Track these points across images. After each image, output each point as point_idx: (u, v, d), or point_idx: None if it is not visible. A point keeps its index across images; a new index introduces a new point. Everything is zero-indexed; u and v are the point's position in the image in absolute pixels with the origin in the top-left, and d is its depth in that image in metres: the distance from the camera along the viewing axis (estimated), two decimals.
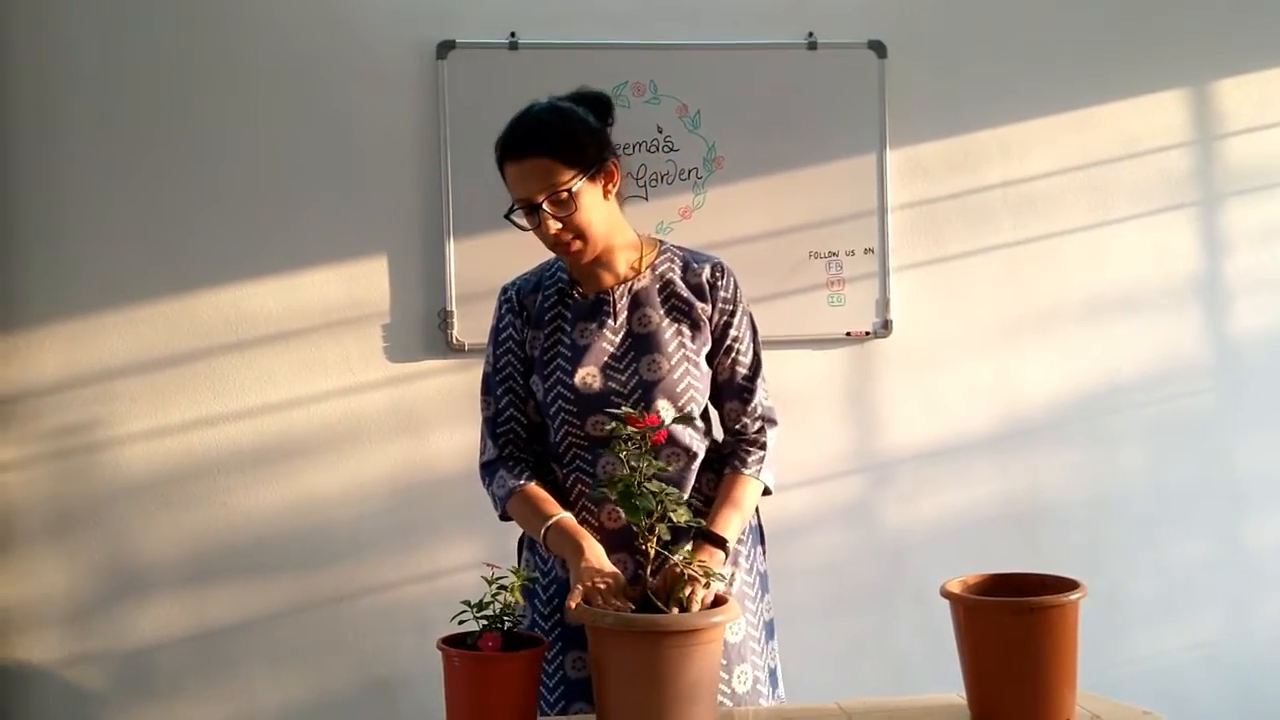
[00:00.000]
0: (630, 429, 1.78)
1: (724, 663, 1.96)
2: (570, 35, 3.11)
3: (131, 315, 3.04)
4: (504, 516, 2.08)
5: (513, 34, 3.10)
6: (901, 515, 3.25)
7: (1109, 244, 3.31)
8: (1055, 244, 3.29)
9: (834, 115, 3.18)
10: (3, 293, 3.01)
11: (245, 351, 3.07)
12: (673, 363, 2.02)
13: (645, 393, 2.00)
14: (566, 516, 1.96)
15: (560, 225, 1.95)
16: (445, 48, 3.08)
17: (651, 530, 1.76)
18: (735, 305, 2.08)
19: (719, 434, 2.13)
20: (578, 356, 2.02)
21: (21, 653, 3.03)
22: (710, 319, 2.06)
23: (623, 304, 2.05)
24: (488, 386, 2.11)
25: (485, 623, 1.73)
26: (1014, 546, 3.22)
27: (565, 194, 1.93)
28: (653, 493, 1.74)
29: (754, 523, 2.16)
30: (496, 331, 2.11)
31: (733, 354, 2.08)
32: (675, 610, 1.74)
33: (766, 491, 2.09)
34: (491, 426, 2.10)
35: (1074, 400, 3.30)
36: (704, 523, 1.94)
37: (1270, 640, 3.37)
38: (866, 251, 3.20)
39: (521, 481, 2.03)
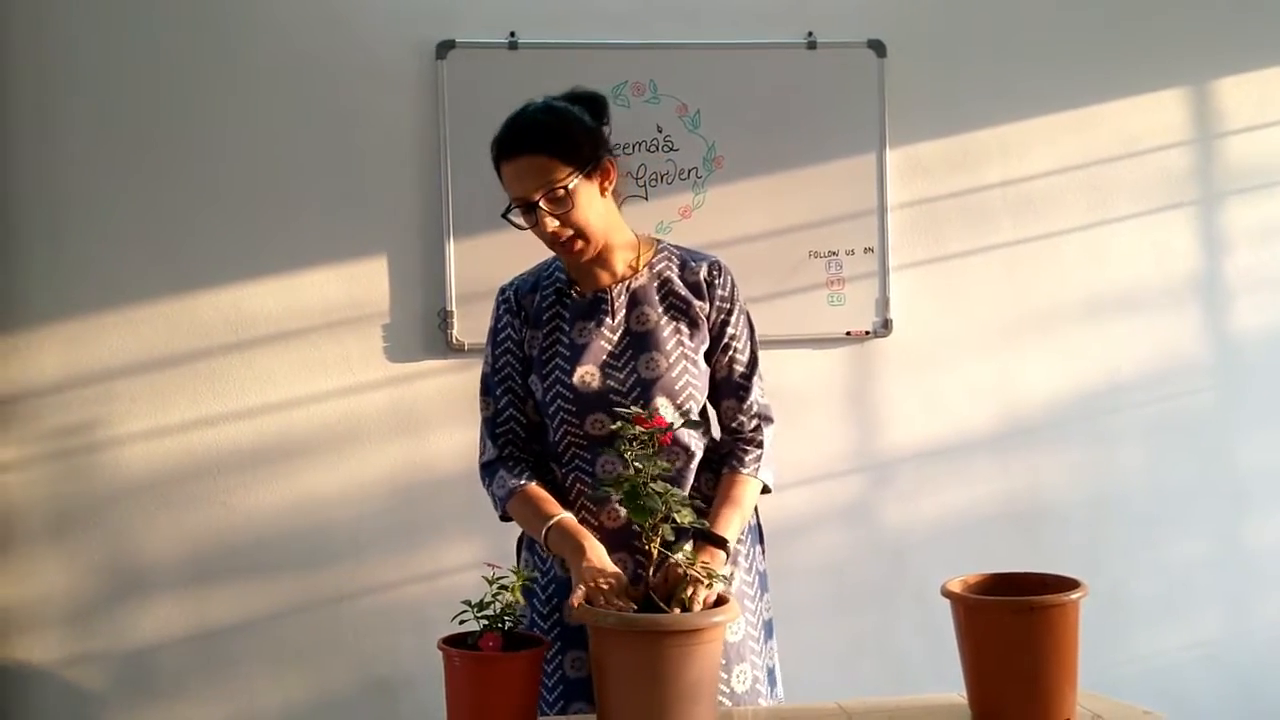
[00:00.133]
0: (637, 429, 1.78)
1: (723, 662, 1.96)
2: (570, 35, 3.11)
3: (132, 315, 3.04)
4: (504, 517, 2.08)
5: (512, 34, 3.10)
6: (902, 515, 3.25)
7: (1109, 243, 3.31)
8: (1055, 243, 3.29)
9: (834, 115, 3.18)
10: (3, 292, 3.01)
11: (245, 351, 3.07)
12: (671, 360, 2.02)
13: (644, 391, 2.00)
14: (567, 516, 1.97)
15: (558, 223, 1.95)
16: (445, 47, 3.08)
17: (655, 531, 1.75)
18: (733, 303, 2.08)
19: (717, 433, 2.13)
20: (576, 355, 2.03)
21: (22, 653, 3.03)
22: (708, 317, 2.06)
23: (621, 302, 2.05)
24: (487, 387, 2.11)
25: (486, 623, 1.73)
26: (1014, 546, 3.22)
27: (561, 191, 1.93)
28: (658, 493, 1.74)
29: (753, 522, 2.16)
30: (495, 332, 2.12)
31: (730, 352, 2.08)
32: (676, 610, 1.74)
33: (766, 489, 2.10)
34: (491, 427, 2.10)
35: (1074, 399, 3.30)
36: (705, 523, 1.94)
37: (1270, 639, 3.37)
38: (866, 251, 3.20)
39: (521, 482, 2.03)
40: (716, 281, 2.07)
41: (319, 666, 3.09)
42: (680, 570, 1.78)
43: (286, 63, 3.07)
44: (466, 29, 3.09)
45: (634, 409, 1.91)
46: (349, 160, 3.09)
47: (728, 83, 3.15)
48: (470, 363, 3.02)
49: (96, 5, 3.02)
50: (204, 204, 3.05)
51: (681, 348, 2.03)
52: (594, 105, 2.05)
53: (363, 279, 3.10)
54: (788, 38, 3.18)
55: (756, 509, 2.18)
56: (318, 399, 3.09)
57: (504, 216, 2.01)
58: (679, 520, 1.76)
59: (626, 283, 2.06)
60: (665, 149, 3.14)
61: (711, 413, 2.14)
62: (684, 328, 2.05)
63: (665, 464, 1.81)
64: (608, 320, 2.04)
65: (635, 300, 2.05)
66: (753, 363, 2.10)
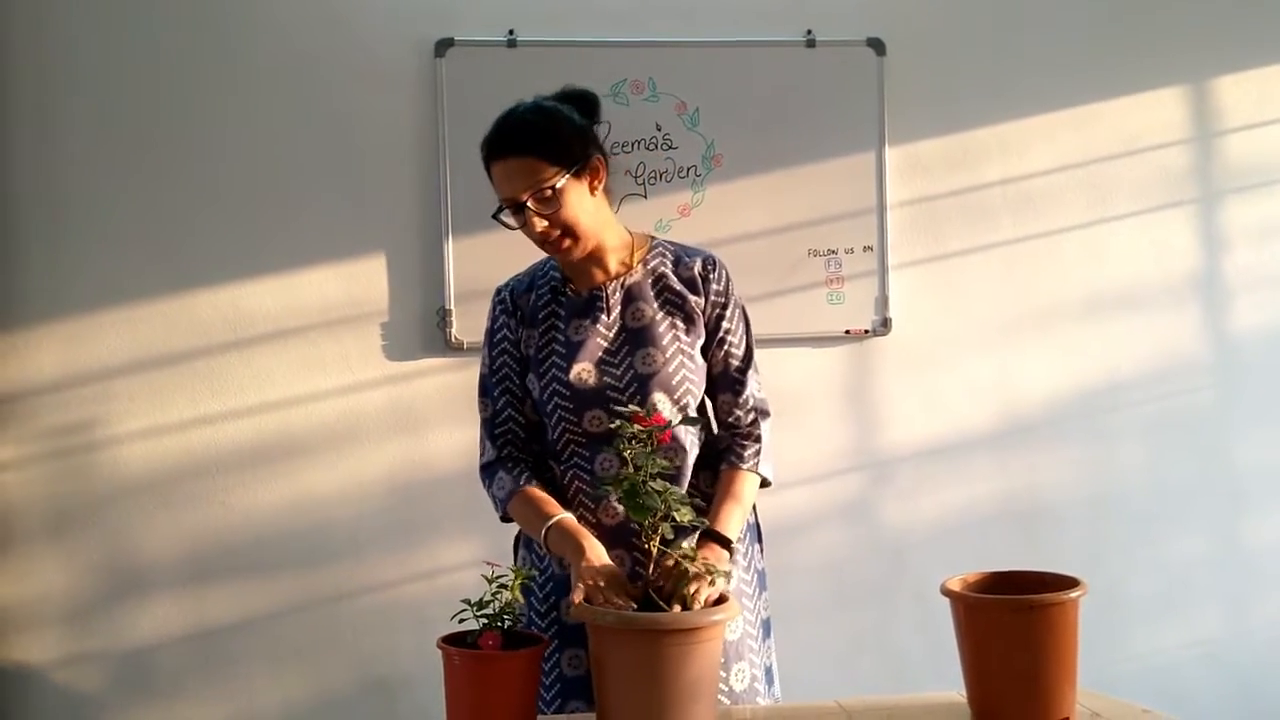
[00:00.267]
0: (635, 427, 1.78)
1: (722, 661, 1.96)
2: (569, 33, 3.11)
3: (130, 314, 3.04)
4: (505, 518, 2.08)
5: (511, 31, 3.10)
6: (901, 513, 3.25)
7: (1108, 241, 3.31)
8: (1054, 241, 3.29)
9: (833, 113, 3.18)
10: (2, 291, 3.00)
11: (244, 350, 3.07)
12: (667, 356, 2.02)
13: (641, 386, 2.00)
14: (567, 516, 1.97)
15: (546, 223, 1.95)
16: (444, 45, 3.08)
17: (655, 529, 1.75)
18: (728, 298, 2.08)
19: (715, 429, 2.13)
20: (572, 353, 2.03)
21: (20, 653, 3.02)
22: (703, 312, 2.06)
23: (615, 299, 2.05)
24: (485, 388, 2.11)
25: (485, 621, 1.72)
26: (1013, 544, 3.22)
27: (549, 191, 1.93)
28: (657, 492, 1.74)
29: (751, 521, 2.16)
30: (491, 333, 2.12)
31: (725, 346, 2.08)
32: (677, 608, 1.74)
33: (766, 483, 2.09)
34: (490, 428, 2.10)
35: (1073, 398, 3.30)
36: (705, 522, 1.94)
37: (1269, 638, 3.37)
38: (865, 249, 3.20)
39: (521, 482, 2.03)
40: (711, 276, 2.07)
41: (318, 665, 3.09)
42: (682, 566, 1.78)
43: (285, 61, 3.07)
44: (465, 27, 3.09)
45: (632, 407, 1.91)
46: (348, 158, 3.09)
47: (727, 81, 3.15)
48: (469, 361, 3.02)
49: (96, 5, 3.02)
50: (202, 202, 3.05)
51: (678, 343, 2.03)
52: (584, 104, 2.05)
53: (361, 277, 3.10)
54: (787, 36, 3.18)
55: (755, 508, 2.17)
56: (316, 398, 3.09)
57: (495, 217, 2.01)
58: (678, 518, 1.76)
59: (621, 280, 2.06)
60: (664, 147, 3.14)
61: (710, 409, 2.13)
62: (679, 323, 2.05)
63: (664, 462, 1.81)
64: (603, 317, 2.04)
65: (630, 297, 2.05)
66: (748, 357, 2.10)
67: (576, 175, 1.96)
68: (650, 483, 1.75)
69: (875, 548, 3.25)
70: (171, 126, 3.04)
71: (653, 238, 2.14)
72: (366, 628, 3.10)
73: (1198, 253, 3.34)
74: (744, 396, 2.08)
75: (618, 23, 3.13)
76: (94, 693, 3.04)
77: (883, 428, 3.26)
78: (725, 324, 2.07)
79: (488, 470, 2.09)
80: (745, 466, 2.05)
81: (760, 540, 2.19)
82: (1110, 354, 3.31)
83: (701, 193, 3.15)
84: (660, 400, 2.00)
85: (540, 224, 1.95)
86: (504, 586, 1.73)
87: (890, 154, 3.21)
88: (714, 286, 2.07)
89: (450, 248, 3.08)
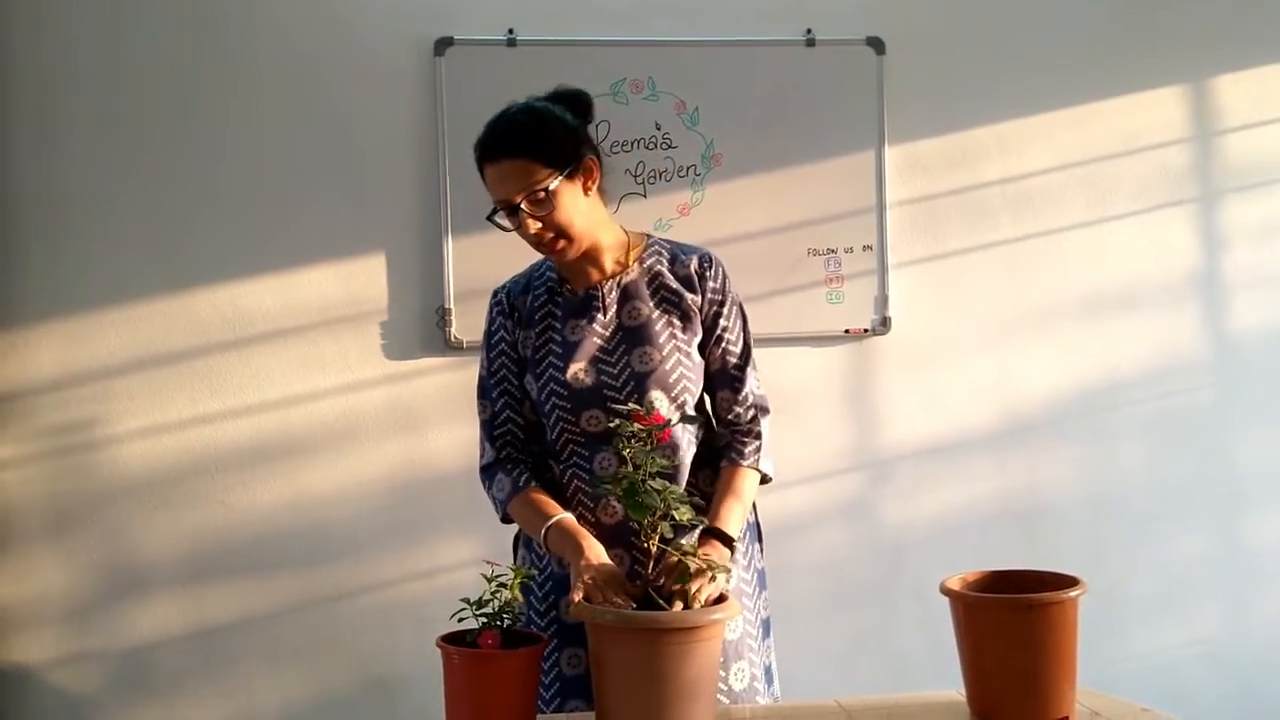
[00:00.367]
0: (635, 426, 1.77)
1: (721, 660, 1.96)
2: (568, 32, 3.11)
3: (130, 313, 3.04)
4: (505, 519, 2.09)
5: (511, 30, 3.10)
6: (901, 512, 3.25)
7: (1108, 240, 3.31)
8: (1054, 240, 3.29)
9: (832, 112, 3.18)
10: (1, 290, 3.00)
11: (243, 349, 3.07)
12: (664, 354, 2.02)
13: (638, 384, 2.00)
14: (566, 516, 1.97)
15: (540, 225, 1.96)
16: (443, 44, 3.08)
17: (654, 528, 1.75)
18: (724, 295, 2.08)
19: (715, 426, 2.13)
20: (569, 353, 2.03)
21: (19, 652, 3.02)
22: (700, 309, 2.06)
23: (612, 298, 2.05)
24: (483, 390, 2.12)
25: (484, 620, 1.72)
26: (1013, 543, 3.22)
27: (543, 193, 1.94)
28: (657, 490, 1.74)
29: (752, 520, 2.16)
30: (489, 335, 2.12)
31: (723, 344, 2.08)
32: (678, 605, 1.74)
33: (766, 479, 2.09)
34: (488, 430, 2.10)
35: (1073, 397, 3.30)
36: (704, 520, 1.94)
37: (1269, 637, 3.37)
38: (865, 248, 3.20)
39: (520, 484, 2.03)
40: (707, 273, 2.07)
41: (317, 665, 3.09)
42: (684, 563, 1.77)
43: (284, 60, 3.07)
44: (465, 26, 3.09)
45: (632, 405, 1.91)
46: (347, 157, 3.09)
47: (727, 80, 3.15)
48: (468, 360, 3.02)
49: (95, 5, 3.02)
50: (202, 201, 3.05)
51: (674, 341, 2.03)
52: (577, 104, 2.04)
53: (361, 276, 3.10)
54: (786, 35, 3.18)
55: (755, 507, 2.17)
56: (316, 397, 3.09)
57: (489, 219, 2.01)
58: (677, 517, 1.76)
59: (617, 279, 2.06)
60: (664, 146, 3.14)
61: (709, 406, 2.14)
62: (676, 321, 2.05)
63: (663, 460, 1.81)
64: (599, 317, 2.04)
65: (626, 295, 2.05)
66: (746, 353, 2.10)
67: (569, 176, 1.96)
68: (649, 481, 1.75)
69: (875, 547, 3.25)
70: (171, 126, 3.04)
71: (648, 236, 2.14)
72: (366, 627, 3.10)
73: (1197, 252, 3.34)
74: (743, 393, 2.08)
75: (617, 22, 3.13)
76: (93, 692, 3.04)
77: (882, 427, 3.26)
78: (723, 321, 2.07)
79: (487, 472, 2.10)
80: (746, 463, 2.05)
81: (760, 539, 2.19)
82: (1110, 353, 3.31)
83: (701, 192, 3.15)
84: (657, 398, 2.00)
85: (534, 226, 1.95)
86: (503, 585, 1.73)
87: (890, 153, 3.21)
88: (710, 284, 2.07)
89: (450, 247, 3.07)
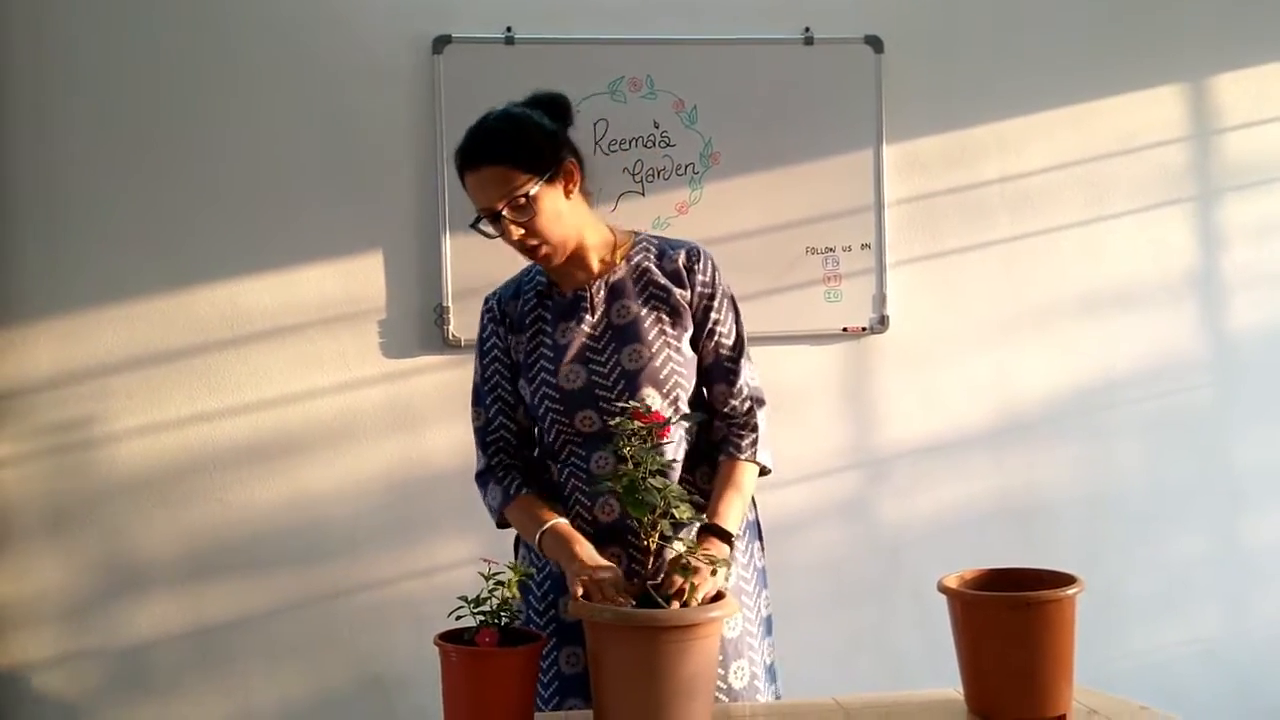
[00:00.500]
0: (635, 424, 1.77)
1: (720, 658, 1.96)
2: (567, 30, 3.10)
3: (128, 311, 3.03)
4: (501, 524, 2.10)
5: (509, 29, 3.09)
6: (899, 511, 3.25)
7: (1106, 239, 3.31)
8: (1052, 239, 3.29)
9: (831, 110, 3.18)
10: None
11: (241, 347, 3.07)
12: (653, 350, 2.02)
13: (629, 382, 2.00)
14: (560, 522, 1.97)
15: (523, 231, 1.96)
16: (441, 43, 3.07)
17: (654, 526, 1.75)
18: (714, 288, 2.08)
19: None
20: (559, 355, 2.03)
21: (17, 650, 3.02)
22: (690, 303, 2.06)
23: (600, 298, 2.06)
24: (477, 398, 2.13)
25: (482, 618, 1.72)
26: (1011, 542, 3.22)
27: (523, 199, 1.94)
28: (657, 489, 1.74)
29: (751, 518, 2.16)
30: (481, 342, 2.13)
31: (715, 336, 2.08)
32: (675, 604, 1.74)
33: (765, 471, 2.09)
34: (481, 437, 2.12)
35: (1071, 396, 3.30)
36: (704, 518, 1.94)
37: (1267, 636, 3.37)
38: (863, 247, 3.20)
39: (512, 491, 2.05)
40: (696, 267, 2.07)
41: (315, 663, 3.09)
42: (683, 561, 1.77)
43: (282, 58, 3.07)
44: (463, 24, 3.09)
45: (632, 404, 1.92)
46: (345, 156, 3.08)
47: (725, 78, 3.15)
48: (466, 359, 2.99)
49: (94, 3, 3.01)
50: (200, 200, 3.05)
51: (664, 337, 2.03)
52: (555, 107, 2.05)
53: (359, 275, 3.10)
54: (785, 33, 3.18)
55: (756, 505, 2.18)
56: (314, 395, 3.09)
57: (473, 227, 2.02)
58: (677, 515, 1.76)
59: (605, 278, 2.07)
60: (662, 144, 3.14)
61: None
62: (665, 317, 2.05)
63: (666, 460, 1.81)
64: (588, 317, 2.05)
65: (614, 294, 2.06)
66: (739, 344, 2.10)
67: (550, 181, 1.96)
68: (649, 479, 1.75)
69: (873, 545, 3.25)
70: (168, 124, 3.04)
71: (636, 233, 2.14)
72: (364, 625, 3.10)
73: (1196, 251, 3.34)
74: (738, 385, 2.08)
75: (615, 20, 3.12)
76: (91, 690, 3.04)
77: (880, 426, 3.26)
78: (714, 314, 2.07)
79: (480, 479, 2.12)
80: (743, 456, 2.05)
81: (760, 538, 2.19)
82: (1108, 352, 3.31)
83: (699, 190, 3.15)
84: (650, 395, 2.00)
85: (517, 232, 1.96)
86: (501, 584, 1.73)
87: (888, 151, 3.21)
88: (699, 278, 2.07)
89: (448, 245, 3.07)
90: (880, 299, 3.21)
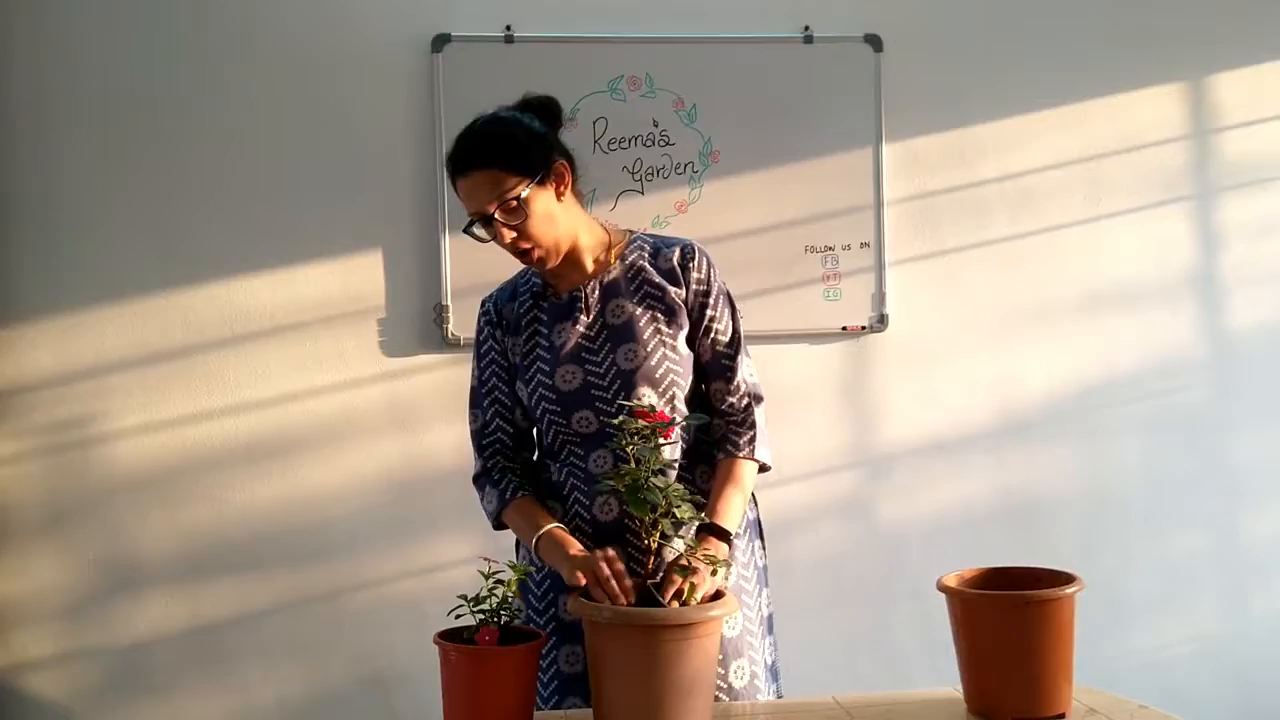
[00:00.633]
0: (639, 423, 1.77)
1: (720, 657, 1.96)
2: (566, 28, 3.10)
3: (127, 309, 3.03)
4: (499, 526, 2.10)
5: (508, 27, 3.09)
6: (898, 510, 3.25)
7: (1105, 238, 3.31)
8: (1051, 238, 3.29)
9: (830, 109, 3.18)
10: None
11: (241, 346, 3.07)
12: (649, 349, 2.02)
13: (625, 382, 2.00)
14: (557, 527, 1.98)
15: (515, 234, 1.96)
16: (440, 41, 3.07)
17: (655, 525, 1.75)
18: (709, 285, 2.07)
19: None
20: (555, 357, 2.03)
21: (16, 648, 3.02)
22: (685, 301, 2.06)
23: (595, 298, 2.06)
24: (474, 401, 2.13)
25: (482, 617, 1.72)
26: (1010, 540, 3.22)
27: (515, 202, 1.94)
28: (659, 488, 1.74)
29: (752, 517, 2.16)
30: (478, 346, 2.14)
31: (712, 334, 2.07)
32: (674, 603, 1.74)
33: (765, 468, 2.09)
34: (478, 440, 2.12)
35: (1070, 394, 3.30)
36: (704, 518, 1.94)
37: (1267, 633, 3.38)
38: (863, 246, 3.20)
39: (508, 495, 2.05)
40: (690, 265, 2.07)
41: (315, 662, 3.09)
42: (682, 562, 1.77)
43: (281, 57, 3.06)
44: (462, 22, 3.09)
45: (636, 402, 1.91)
46: (344, 154, 3.08)
47: (725, 77, 3.14)
48: (466, 357, 2.99)
49: (93, 1, 3.00)
50: (199, 198, 3.05)
51: (659, 336, 2.03)
52: (545, 111, 2.05)
53: (358, 273, 3.10)
54: (784, 32, 3.18)
55: (757, 503, 2.18)
56: (313, 394, 3.09)
57: (465, 231, 2.02)
58: (679, 515, 1.76)
59: (599, 278, 2.07)
60: (661, 143, 3.14)
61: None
62: (660, 315, 2.05)
63: (668, 459, 1.81)
64: (583, 318, 2.05)
65: (609, 293, 2.06)
66: (735, 341, 2.09)
67: (541, 183, 1.96)
68: (652, 478, 1.75)
69: (872, 544, 3.25)
70: (168, 122, 3.04)
71: (631, 232, 2.13)
72: (363, 624, 3.10)
73: (1194, 249, 3.34)
74: (735, 382, 2.07)
75: (615, 18, 3.12)
76: (90, 689, 3.04)
77: (879, 424, 3.26)
78: (709, 311, 2.07)
79: (477, 482, 2.13)
80: (741, 454, 2.05)
81: (761, 537, 2.19)
82: (1107, 350, 3.31)
83: (699, 189, 3.15)
84: (646, 394, 2.00)
85: (509, 235, 1.96)
86: (500, 582, 1.73)
87: (887, 150, 3.21)
88: (694, 275, 2.07)
89: (447, 244, 3.07)
90: (879, 298, 3.21)
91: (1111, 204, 3.31)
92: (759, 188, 3.15)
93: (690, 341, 2.07)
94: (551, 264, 2.02)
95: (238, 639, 3.07)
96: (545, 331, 2.06)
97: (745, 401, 2.08)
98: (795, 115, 3.16)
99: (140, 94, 3.03)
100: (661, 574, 1.79)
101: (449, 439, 3.07)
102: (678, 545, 1.82)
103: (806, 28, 3.18)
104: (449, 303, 3.08)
